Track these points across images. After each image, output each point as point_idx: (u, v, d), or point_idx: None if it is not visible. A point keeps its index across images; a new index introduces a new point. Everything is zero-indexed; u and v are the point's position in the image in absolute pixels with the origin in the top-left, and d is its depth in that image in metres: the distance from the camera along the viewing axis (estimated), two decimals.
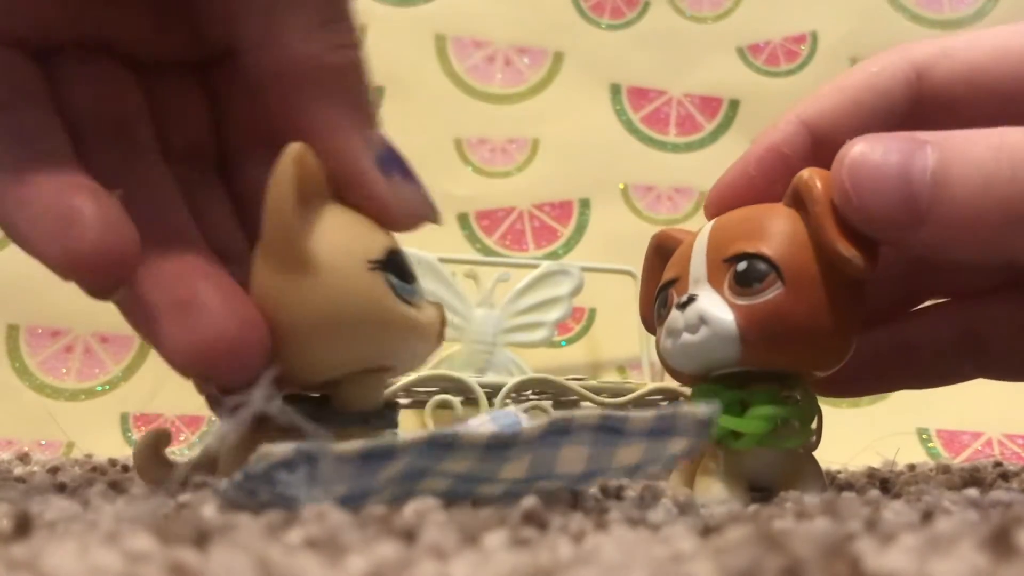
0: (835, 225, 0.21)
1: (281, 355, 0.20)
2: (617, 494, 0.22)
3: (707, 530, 0.15)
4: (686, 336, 0.22)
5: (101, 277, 0.20)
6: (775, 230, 0.22)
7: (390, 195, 0.20)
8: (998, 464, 0.29)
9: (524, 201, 0.48)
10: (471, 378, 0.28)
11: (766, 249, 0.21)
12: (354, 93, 0.21)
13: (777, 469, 0.23)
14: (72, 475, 0.25)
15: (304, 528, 0.14)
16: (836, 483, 0.25)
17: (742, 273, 0.21)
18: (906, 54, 0.24)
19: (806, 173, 0.22)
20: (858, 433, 0.40)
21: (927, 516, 0.17)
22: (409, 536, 0.14)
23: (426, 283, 0.37)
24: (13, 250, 0.44)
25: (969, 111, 0.23)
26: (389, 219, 0.21)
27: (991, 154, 0.19)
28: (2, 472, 0.26)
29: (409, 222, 0.21)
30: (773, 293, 0.21)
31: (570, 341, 0.44)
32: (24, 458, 0.30)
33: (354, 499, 0.17)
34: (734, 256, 0.22)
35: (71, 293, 0.45)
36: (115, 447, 0.39)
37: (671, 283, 0.23)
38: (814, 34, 0.49)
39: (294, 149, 0.19)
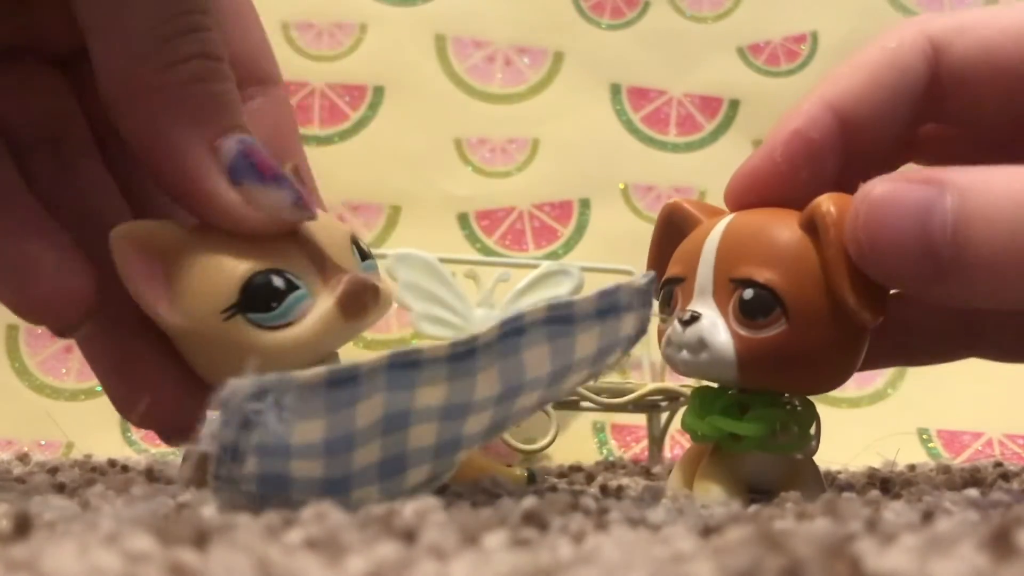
0: (847, 273, 0.20)
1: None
2: (617, 494, 0.22)
3: (707, 530, 0.15)
4: (685, 354, 0.22)
5: (61, 321, 0.21)
6: (785, 256, 0.21)
7: (239, 207, 0.20)
8: (998, 464, 0.29)
9: (524, 201, 0.48)
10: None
11: (774, 280, 0.21)
12: (198, 106, 0.20)
13: (776, 473, 0.23)
14: (71, 475, 0.25)
15: (304, 528, 0.14)
16: (836, 483, 0.25)
17: (747, 303, 0.21)
18: (923, 27, 0.23)
19: (824, 204, 0.21)
20: (858, 433, 0.40)
21: (927, 516, 0.17)
22: (409, 536, 0.14)
23: (426, 283, 0.37)
24: None
25: (985, 88, 0.22)
26: (244, 230, 0.20)
27: (1013, 204, 0.18)
28: (1, 472, 0.26)
29: (269, 227, 0.20)
30: (777, 329, 0.21)
31: None
32: (24, 458, 0.30)
33: (340, 448, 0.17)
34: (741, 280, 0.21)
35: None
36: (115, 447, 0.39)
37: (678, 280, 0.23)
38: (814, 34, 0.49)
39: (113, 238, 0.20)
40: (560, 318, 0.19)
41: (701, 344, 0.22)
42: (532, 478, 0.25)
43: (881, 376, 0.41)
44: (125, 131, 0.20)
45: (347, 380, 0.16)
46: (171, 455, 0.39)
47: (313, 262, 0.21)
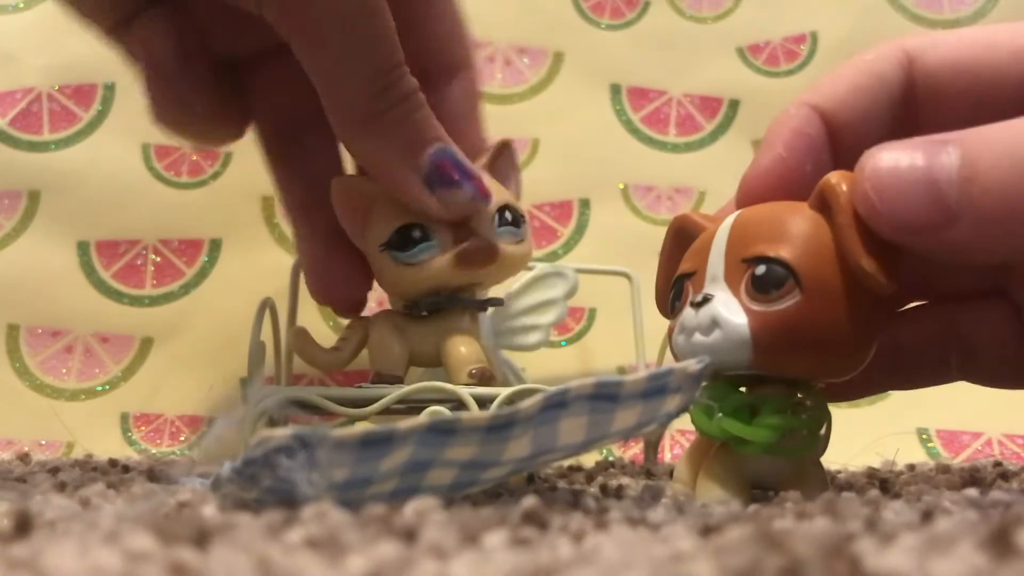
0: (859, 238, 0.20)
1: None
2: (617, 494, 0.22)
3: (707, 530, 0.15)
4: (698, 337, 0.22)
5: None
6: (797, 233, 0.21)
7: (434, 207, 0.28)
8: (998, 464, 0.29)
9: (524, 201, 0.48)
10: (464, 390, 0.28)
11: (786, 254, 0.21)
12: (401, 138, 0.27)
13: (781, 473, 0.23)
14: (72, 475, 0.25)
15: (304, 528, 0.14)
16: (836, 483, 0.25)
17: (760, 277, 0.21)
18: (899, 43, 0.24)
19: (833, 178, 0.21)
20: (858, 433, 0.40)
21: (927, 516, 0.17)
22: (409, 536, 0.14)
23: None
24: (13, 250, 0.44)
25: (956, 97, 0.24)
26: (435, 217, 0.28)
27: (1017, 141, 0.19)
28: (2, 472, 0.26)
29: (454, 215, 0.28)
30: (791, 301, 0.21)
31: (570, 341, 0.44)
32: (24, 458, 0.30)
33: (356, 485, 0.17)
34: (753, 258, 0.21)
35: (72, 293, 0.45)
36: (115, 447, 0.39)
37: (688, 275, 0.23)
38: (814, 34, 0.49)
39: (332, 185, 0.30)
40: (605, 396, 0.19)
41: (714, 323, 0.21)
42: (532, 478, 0.25)
43: None
44: (352, 154, 0.30)
45: (380, 441, 0.16)
46: (171, 455, 0.39)
47: (454, 224, 0.29)
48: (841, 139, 0.24)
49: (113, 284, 0.42)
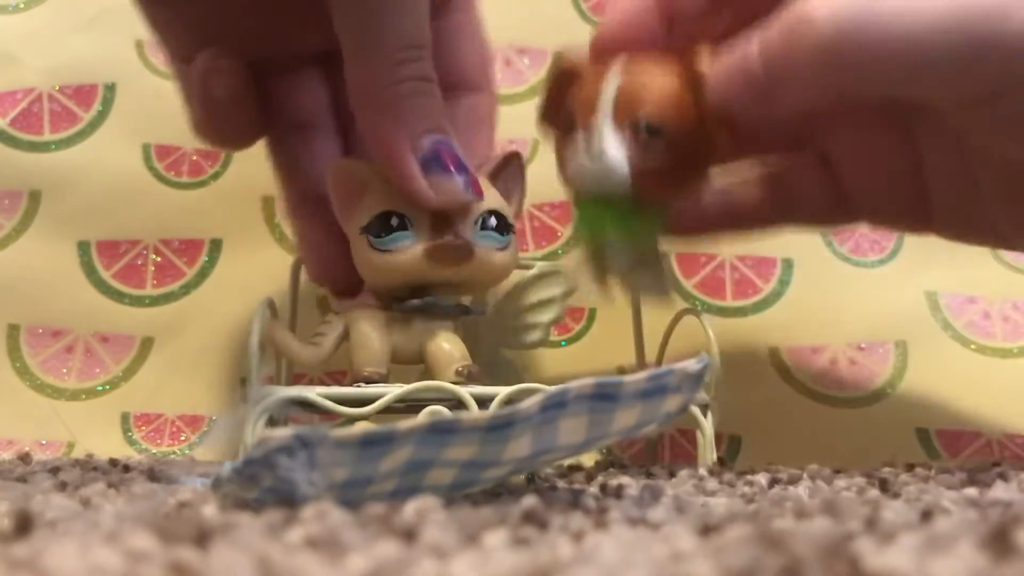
0: (714, 110, 0.27)
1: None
2: (617, 493, 0.22)
3: (707, 529, 0.15)
4: (584, 160, 0.28)
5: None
6: (673, 100, 0.28)
7: (424, 189, 0.28)
8: (997, 464, 0.29)
9: (525, 201, 0.48)
10: (462, 389, 0.28)
11: (666, 114, 0.27)
12: (408, 113, 0.28)
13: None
14: (73, 475, 0.25)
15: (304, 527, 0.14)
16: (835, 483, 0.25)
17: (640, 128, 0.27)
18: None
19: (704, 62, 0.27)
20: (858, 433, 0.40)
21: (926, 516, 0.17)
22: (409, 535, 0.14)
23: None
24: (14, 250, 0.44)
25: None
26: (427, 205, 0.29)
27: (787, 25, 0.25)
28: (3, 472, 0.26)
29: (440, 203, 0.29)
30: (660, 150, 0.27)
31: (570, 341, 0.44)
32: (25, 458, 0.30)
33: (356, 485, 0.17)
34: (638, 113, 0.27)
35: (72, 293, 0.45)
36: (116, 447, 0.39)
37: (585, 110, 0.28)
38: None
39: (332, 168, 0.30)
40: (605, 395, 0.19)
41: (601, 153, 0.27)
42: (532, 478, 0.25)
43: (880, 376, 0.41)
44: (360, 124, 0.30)
45: (381, 441, 0.16)
46: (171, 454, 0.39)
47: (435, 218, 0.29)
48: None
49: (114, 284, 0.42)
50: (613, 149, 0.28)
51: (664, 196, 0.29)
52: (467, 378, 0.29)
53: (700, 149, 0.28)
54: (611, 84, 0.28)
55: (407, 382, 0.29)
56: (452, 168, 0.28)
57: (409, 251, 0.29)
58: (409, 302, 0.30)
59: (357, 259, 0.30)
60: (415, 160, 0.28)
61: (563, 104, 0.30)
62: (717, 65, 0.27)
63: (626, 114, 0.28)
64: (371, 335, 0.30)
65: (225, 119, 0.32)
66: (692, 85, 0.28)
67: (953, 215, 0.31)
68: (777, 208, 0.33)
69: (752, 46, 0.26)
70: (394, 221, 0.29)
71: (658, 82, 0.28)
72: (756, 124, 0.27)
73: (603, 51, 0.29)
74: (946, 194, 0.31)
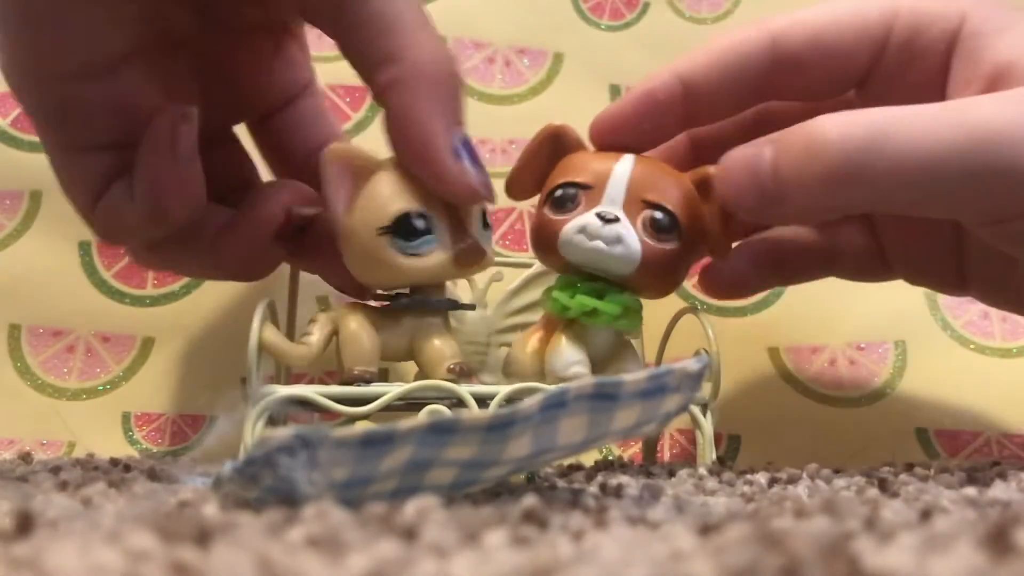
0: (724, 220, 0.29)
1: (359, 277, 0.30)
2: (616, 492, 0.22)
3: (706, 529, 0.15)
4: (600, 244, 0.28)
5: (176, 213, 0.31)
6: (684, 197, 0.29)
7: (453, 173, 0.28)
8: (996, 464, 0.29)
9: (524, 201, 0.48)
10: (462, 388, 0.28)
11: (679, 211, 0.29)
12: (446, 97, 0.28)
13: (609, 347, 0.30)
14: (73, 474, 0.25)
15: (305, 526, 0.14)
16: (834, 483, 0.25)
17: (658, 220, 0.28)
18: (766, 24, 0.30)
19: (713, 171, 0.28)
20: (858, 433, 0.40)
21: (925, 515, 0.17)
22: (409, 534, 0.14)
23: None
24: (14, 250, 0.44)
25: (815, 69, 0.29)
26: (448, 190, 0.28)
27: (807, 144, 0.25)
28: (4, 472, 0.26)
29: (466, 196, 0.28)
30: (672, 245, 0.29)
31: None
32: (26, 457, 0.30)
33: (357, 484, 0.17)
34: (655, 204, 0.28)
35: (73, 293, 0.45)
36: (117, 447, 0.39)
37: (584, 187, 0.29)
38: None
39: (327, 151, 0.28)
40: (605, 395, 0.19)
41: (618, 240, 0.28)
42: (532, 477, 0.25)
43: (879, 376, 0.41)
44: (395, 104, 0.28)
45: (381, 441, 0.16)
46: (172, 454, 0.39)
47: (451, 220, 0.29)
48: (699, 102, 0.30)
49: (114, 284, 0.42)
50: (630, 233, 0.28)
51: (656, 291, 0.30)
52: (458, 375, 0.29)
53: (700, 251, 0.30)
54: (624, 168, 0.29)
55: (407, 381, 0.29)
56: (479, 163, 0.29)
57: (435, 255, 0.28)
58: (399, 300, 0.30)
59: (367, 257, 0.28)
60: (449, 142, 0.28)
61: (541, 170, 0.31)
62: (727, 168, 0.28)
63: (642, 199, 0.28)
64: (360, 333, 0.29)
65: (189, 178, 0.29)
66: (701, 184, 0.29)
67: (990, 286, 0.33)
68: (820, 262, 0.35)
69: (765, 155, 0.26)
70: (420, 223, 0.28)
71: (672, 177, 0.29)
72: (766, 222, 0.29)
73: (604, 138, 0.31)
74: (983, 270, 0.32)
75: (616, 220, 0.28)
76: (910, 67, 0.29)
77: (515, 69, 0.49)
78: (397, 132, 0.28)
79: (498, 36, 0.49)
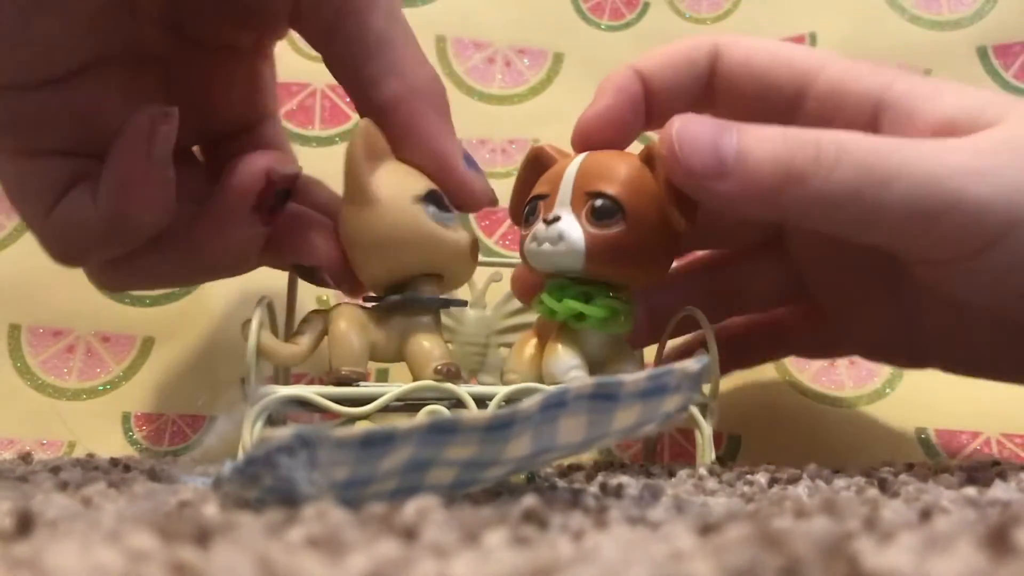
0: (670, 192, 0.28)
1: (357, 266, 0.30)
2: (617, 492, 0.22)
3: (706, 528, 0.15)
4: (547, 246, 0.29)
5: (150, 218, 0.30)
6: (627, 178, 0.29)
7: (471, 180, 0.30)
8: (996, 463, 0.29)
9: None
10: (462, 389, 0.28)
11: (618, 194, 0.28)
12: (445, 111, 0.30)
13: (605, 349, 0.30)
14: (73, 474, 0.25)
15: (305, 526, 0.14)
16: (834, 483, 0.25)
17: (598, 208, 0.28)
18: (716, 38, 0.32)
19: (658, 143, 0.28)
20: (856, 432, 0.40)
21: (925, 515, 0.17)
22: (409, 534, 0.14)
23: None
24: (14, 250, 0.44)
25: (742, 91, 0.31)
26: (468, 199, 0.30)
27: (774, 135, 0.26)
28: (4, 471, 0.26)
29: (482, 201, 0.30)
30: (617, 229, 0.28)
31: None
32: (26, 457, 0.30)
33: (357, 484, 0.17)
34: (594, 193, 0.28)
35: (73, 293, 0.45)
36: (117, 447, 0.39)
37: (542, 197, 0.30)
38: (813, 35, 0.49)
39: (363, 123, 0.28)
40: (605, 395, 0.19)
41: (560, 237, 0.28)
42: (532, 477, 0.25)
43: (879, 376, 0.41)
44: (405, 120, 0.29)
45: (381, 441, 0.16)
46: (172, 454, 0.39)
47: None
48: (654, 99, 0.31)
49: None
50: (570, 228, 0.28)
51: (623, 278, 0.30)
52: (445, 376, 0.29)
53: (659, 229, 0.29)
54: (572, 168, 0.29)
55: (407, 381, 0.29)
56: (480, 169, 0.30)
57: (459, 233, 0.30)
58: (389, 297, 0.30)
59: (391, 233, 0.28)
60: (459, 151, 0.30)
61: (529, 194, 0.31)
62: (683, 133, 0.27)
63: (584, 192, 0.29)
64: (349, 333, 0.29)
65: (160, 182, 0.28)
66: (650, 164, 0.29)
67: (950, 357, 0.33)
68: (774, 347, 0.37)
69: (732, 135, 0.27)
70: (446, 200, 0.30)
71: (617, 162, 0.29)
72: (717, 213, 0.28)
73: (586, 144, 0.31)
74: (940, 340, 0.33)
75: (557, 220, 0.29)
76: (836, 117, 0.30)
77: (515, 69, 0.49)
78: (413, 146, 0.29)
79: (498, 36, 0.49)
